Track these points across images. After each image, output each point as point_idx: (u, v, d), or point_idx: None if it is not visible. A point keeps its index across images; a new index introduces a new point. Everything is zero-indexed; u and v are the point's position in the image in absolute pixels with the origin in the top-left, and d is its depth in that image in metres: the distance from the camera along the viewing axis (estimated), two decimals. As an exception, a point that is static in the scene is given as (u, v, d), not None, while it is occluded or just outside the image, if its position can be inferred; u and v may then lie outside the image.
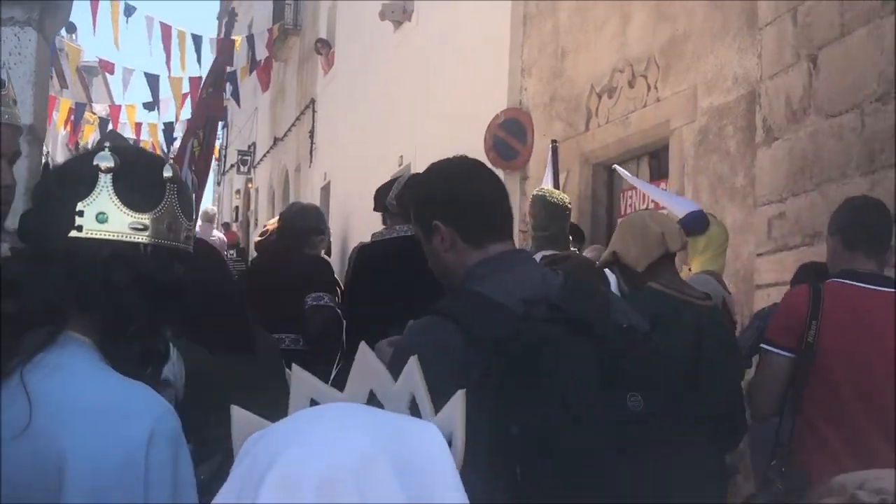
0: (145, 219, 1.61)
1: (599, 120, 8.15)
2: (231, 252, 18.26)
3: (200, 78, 20.44)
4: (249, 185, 26.94)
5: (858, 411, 3.32)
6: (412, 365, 1.22)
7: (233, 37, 18.87)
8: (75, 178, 1.62)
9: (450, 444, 1.13)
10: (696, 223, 5.06)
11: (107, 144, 1.67)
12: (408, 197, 2.54)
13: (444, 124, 10.77)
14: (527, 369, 2.08)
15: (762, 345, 3.61)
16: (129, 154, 1.67)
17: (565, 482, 2.02)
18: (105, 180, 1.60)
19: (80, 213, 1.58)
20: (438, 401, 1.20)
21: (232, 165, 28.32)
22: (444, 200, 2.32)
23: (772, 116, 5.87)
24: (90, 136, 21.36)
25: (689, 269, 5.13)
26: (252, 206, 26.61)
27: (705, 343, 3.40)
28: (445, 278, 2.36)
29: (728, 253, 5.80)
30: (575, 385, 2.08)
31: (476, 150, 8.94)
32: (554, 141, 8.08)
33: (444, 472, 1.07)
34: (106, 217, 1.59)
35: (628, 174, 6.69)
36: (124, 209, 1.60)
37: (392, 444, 1.06)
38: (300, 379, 1.25)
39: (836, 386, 3.36)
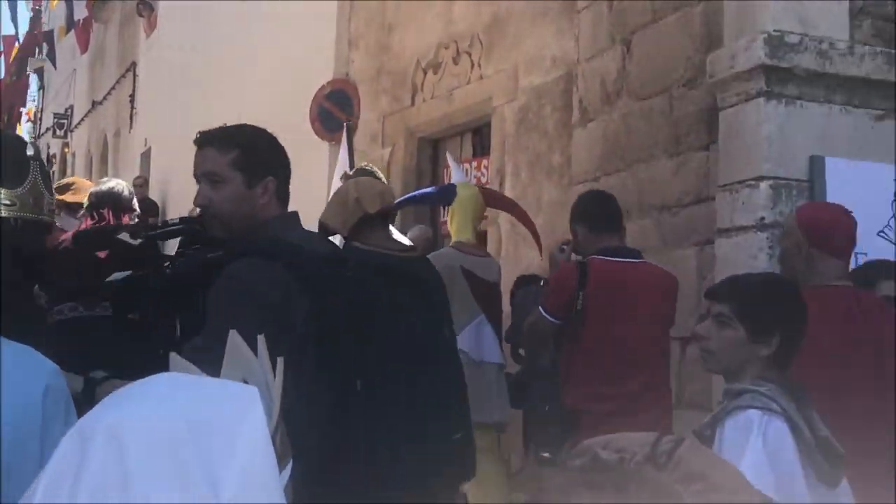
0: (13, 195, 1.74)
1: (425, 95, 8.22)
2: (45, 219, 17.52)
3: (16, 37, 19.49)
4: (66, 150, 25.86)
5: (621, 363, 4.10)
6: (261, 347, 1.32)
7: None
8: None
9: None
10: (443, 195, 5.67)
11: None
12: (231, 140, 2.68)
13: (269, 93, 10.61)
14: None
15: (539, 307, 4.32)
16: None
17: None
18: None
19: None
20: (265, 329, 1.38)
21: (48, 129, 27.09)
22: (277, 158, 2.73)
23: (587, 98, 6.06)
24: None
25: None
26: (68, 172, 25.56)
27: (400, 285, 3.73)
28: (237, 225, 2.64)
29: (544, 228, 6.00)
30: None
31: (300, 119, 8.89)
32: (347, 121, 8.04)
33: (251, 436, 1.14)
34: None
35: (453, 161, 6.79)
36: None
37: (196, 408, 1.13)
38: (178, 366, 1.34)
39: (601, 343, 4.12)
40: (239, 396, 1.18)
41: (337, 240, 4.65)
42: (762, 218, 4.32)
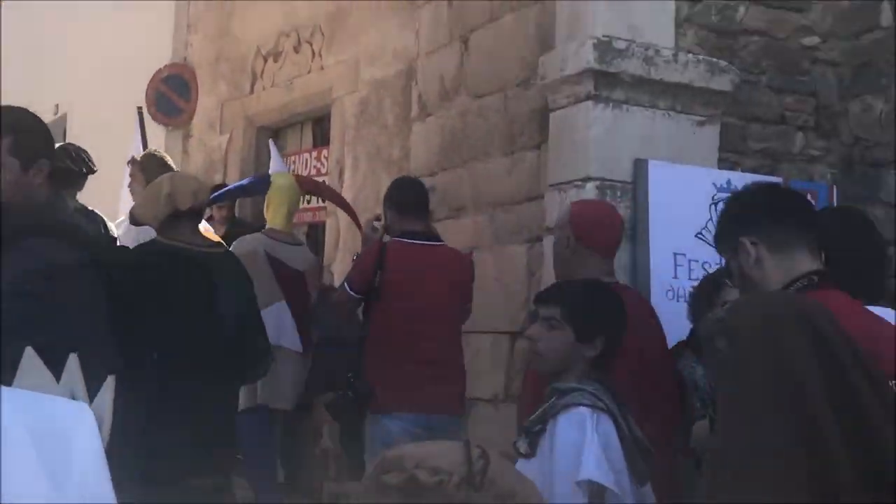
0: None
1: (264, 83, 8.12)
2: None
3: None
4: None
5: (415, 338, 4.47)
6: (72, 363, 1.34)
7: None
8: None
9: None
10: (258, 186, 6.05)
11: None
12: (5, 124, 2.80)
13: (104, 75, 10.27)
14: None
15: (344, 282, 4.75)
16: None
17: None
18: None
19: None
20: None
21: None
22: (49, 142, 2.87)
23: (426, 93, 6.10)
24: None
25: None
26: None
27: (204, 278, 3.95)
28: (13, 208, 2.74)
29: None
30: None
31: (136, 102, 8.60)
32: (139, 107, 7.86)
33: (85, 450, 1.19)
34: None
35: (275, 149, 6.81)
36: None
37: (31, 418, 1.16)
38: None
39: (396, 318, 4.50)
40: (70, 409, 1.22)
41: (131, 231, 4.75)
42: (588, 218, 4.44)
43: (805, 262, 2.50)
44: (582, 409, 2.84)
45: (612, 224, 3.82)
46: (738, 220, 2.62)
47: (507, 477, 1.32)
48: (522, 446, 2.91)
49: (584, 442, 2.76)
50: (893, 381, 2.25)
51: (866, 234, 3.15)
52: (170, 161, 5.57)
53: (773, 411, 1.83)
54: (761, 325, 1.96)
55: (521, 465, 2.91)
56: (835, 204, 5.02)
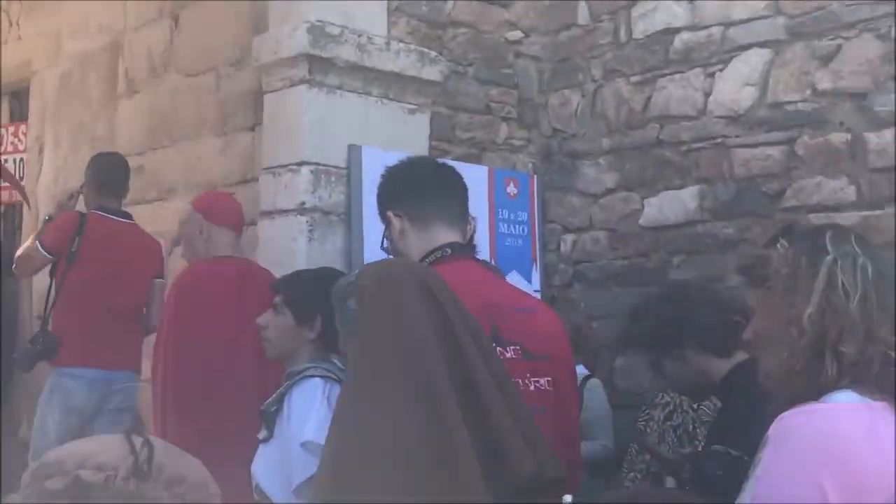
0: None
1: (-46, 51, 7.54)
2: None
3: None
4: None
5: (101, 298, 4.91)
6: None
7: None
8: None
9: None
10: None
11: None
12: None
13: None
14: None
15: (36, 241, 5.02)
16: None
17: None
18: None
19: None
20: None
21: None
22: None
23: (134, 69, 5.89)
24: None
25: None
26: None
27: None
28: None
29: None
30: None
31: None
32: None
33: None
34: None
35: None
36: None
37: None
38: None
39: (87, 279, 4.92)
40: None
41: None
42: (303, 202, 4.45)
43: (442, 235, 2.69)
44: (315, 379, 2.93)
45: (233, 202, 4.27)
46: (386, 194, 2.83)
47: (174, 462, 1.33)
48: (262, 434, 2.95)
49: (313, 409, 2.83)
50: (515, 347, 2.48)
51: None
52: None
53: (391, 369, 1.96)
54: (384, 286, 2.09)
55: (263, 449, 2.94)
56: (535, 193, 5.31)
